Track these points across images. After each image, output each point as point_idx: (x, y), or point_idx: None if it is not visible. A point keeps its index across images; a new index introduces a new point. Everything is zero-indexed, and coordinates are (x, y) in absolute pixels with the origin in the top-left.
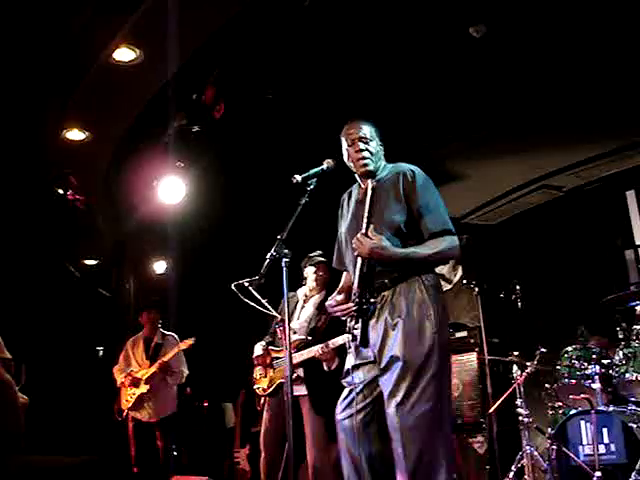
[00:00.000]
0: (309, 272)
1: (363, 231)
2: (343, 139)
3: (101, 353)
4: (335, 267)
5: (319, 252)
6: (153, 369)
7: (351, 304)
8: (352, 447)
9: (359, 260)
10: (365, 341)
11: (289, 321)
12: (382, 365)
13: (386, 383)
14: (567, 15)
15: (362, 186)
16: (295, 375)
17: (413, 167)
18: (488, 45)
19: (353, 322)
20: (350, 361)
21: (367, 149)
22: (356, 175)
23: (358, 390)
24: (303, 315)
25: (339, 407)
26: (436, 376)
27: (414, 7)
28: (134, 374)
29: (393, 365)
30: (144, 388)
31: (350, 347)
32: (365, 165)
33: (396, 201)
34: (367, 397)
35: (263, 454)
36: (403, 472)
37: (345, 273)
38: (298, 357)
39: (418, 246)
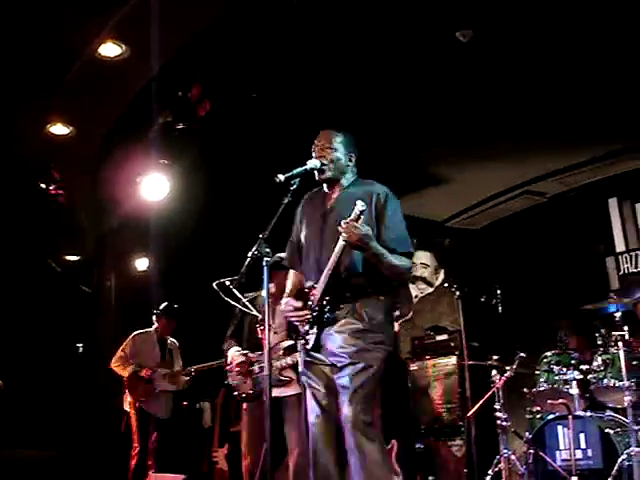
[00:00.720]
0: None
1: (353, 217)
2: (313, 146)
3: (81, 350)
4: (286, 265)
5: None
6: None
7: (307, 311)
8: (320, 450)
9: (338, 249)
10: (317, 347)
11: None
12: (339, 365)
13: (340, 380)
14: (552, 22)
15: (329, 192)
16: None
17: (386, 189)
18: (475, 50)
19: (307, 327)
20: (301, 362)
21: (326, 157)
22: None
23: (321, 396)
24: (278, 314)
25: (308, 411)
26: (375, 384)
27: (402, 11)
28: (157, 370)
29: (347, 369)
30: (170, 387)
31: (300, 349)
32: (320, 173)
33: (370, 216)
34: (332, 403)
35: (248, 458)
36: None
37: (293, 273)
38: (289, 360)
39: (390, 254)
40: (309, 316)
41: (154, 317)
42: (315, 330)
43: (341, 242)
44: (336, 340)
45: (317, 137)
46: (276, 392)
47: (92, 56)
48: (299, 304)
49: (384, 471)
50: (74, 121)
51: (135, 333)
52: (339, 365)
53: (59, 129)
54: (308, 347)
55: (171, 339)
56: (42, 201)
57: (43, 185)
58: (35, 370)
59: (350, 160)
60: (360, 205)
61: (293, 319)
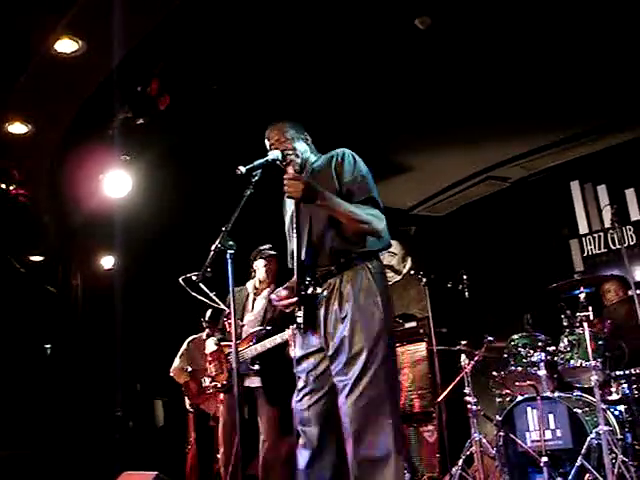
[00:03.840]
0: (259, 265)
1: (288, 174)
2: (267, 142)
3: (49, 351)
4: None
5: (269, 245)
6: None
7: (291, 297)
8: (312, 437)
9: (292, 211)
10: (308, 326)
11: (242, 315)
12: (331, 352)
13: (337, 370)
14: (511, 6)
15: None
16: (258, 367)
17: (345, 149)
18: (433, 37)
19: (298, 311)
20: (297, 351)
21: (288, 148)
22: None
23: (312, 382)
24: (256, 307)
25: (296, 397)
26: (385, 361)
27: None
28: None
29: (342, 352)
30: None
31: (295, 337)
32: (288, 165)
33: (331, 181)
34: (322, 388)
35: (222, 449)
36: (351, 451)
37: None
38: (260, 348)
39: (349, 203)
40: (288, 302)
41: (204, 324)
42: (302, 312)
43: (290, 201)
44: (328, 322)
45: (266, 135)
46: (248, 382)
47: (48, 52)
48: (286, 292)
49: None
50: (32, 119)
51: (188, 339)
52: (331, 351)
53: (17, 128)
54: (300, 332)
55: None
56: (3, 201)
57: (3, 185)
58: (4, 372)
59: (307, 142)
60: (273, 154)
61: (281, 307)
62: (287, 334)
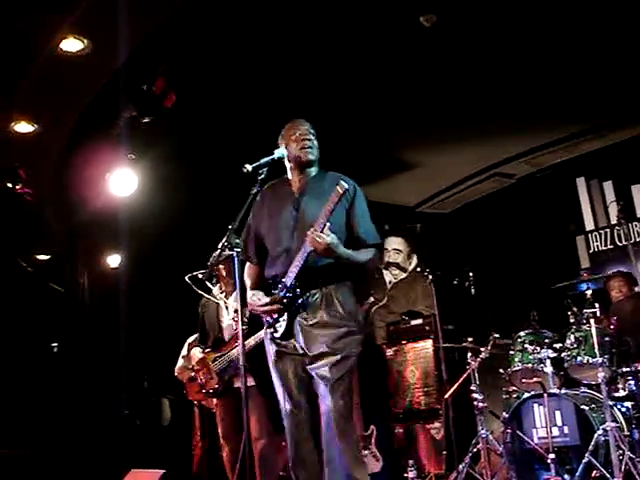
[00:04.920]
0: (220, 270)
1: (317, 227)
2: (289, 132)
3: (56, 349)
4: (241, 258)
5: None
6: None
7: (276, 307)
8: (300, 439)
9: (303, 254)
10: (288, 335)
11: (219, 325)
12: (314, 354)
13: (319, 371)
14: (516, 3)
15: (292, 180)
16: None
17: (353, 182)
18: (438, 34)
19: (276, 315)
20: (271, 352)
21: (313, 141)
22: (290, 169)
23: (295, 387)
24: (230, 311)
25: (281, 401)
26: (352, 375)
27: None
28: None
29: (325, 359)
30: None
31: (270, 339)
32: (308, 153)
33: (341, 206)
34: (305, 393)
35: (226, 449)
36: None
37: (250, 266)
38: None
39: (357, 252)
40: (277, 307)
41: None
42: (285, 318)
43: (308, 249)
44: (311, 329)
45: (293, 125)
46: (238, 382)
47: (54, 52)
48: (266, 299)
49: (358, 463)
50: (38, 118)
51: (189, 340)
52: (314, 354)
53: (23, 127)
54: (277, 335)
55: None
56: (9, 201)
57: (9, 184)
58: (11, 370)
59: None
60: (343, 187)
61: (260, 311)
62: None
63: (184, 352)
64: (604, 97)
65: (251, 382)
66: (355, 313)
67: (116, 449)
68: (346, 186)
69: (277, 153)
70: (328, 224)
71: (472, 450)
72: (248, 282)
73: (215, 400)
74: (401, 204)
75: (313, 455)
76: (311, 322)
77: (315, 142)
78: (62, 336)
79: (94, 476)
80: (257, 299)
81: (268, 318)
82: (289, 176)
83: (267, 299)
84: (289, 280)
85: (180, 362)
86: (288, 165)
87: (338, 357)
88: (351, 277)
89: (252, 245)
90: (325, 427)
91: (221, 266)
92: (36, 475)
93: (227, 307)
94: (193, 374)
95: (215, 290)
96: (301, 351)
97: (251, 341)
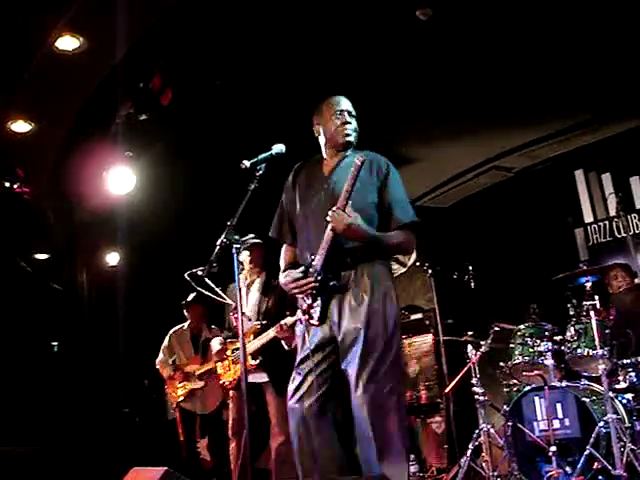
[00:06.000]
0: (244, 257)
1: (339, 205)
2: (329, 109)
3: (56, 348)
4: (272, 236)
5: (251, 235)
6: (209, 366)
7: (311, 279)
8: (305, 434)
9: (328, 236)
10: (324, 318)
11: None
12: (345, 343)
13: (350, 364)
14: None
15: (327, 159)
16: (258, 361)
17: (387, 160)
18: (435, 28)
19: (310, 300)
20: (304, 348)
21: (353, 124)
22: (325, 148)
23: (315, 376)
24: (250, 300)
25: (290, 393)
26: (397, 357)
27: None
28: (185, 369)
29: (357, 345)
30: (199, 384)
31: (302, 330)
32: (348, 135)
33: (370, 184)
34: (323, 384)
35: (233, 443)
36: (367, 447)
37: (287, 248)
38: (257, 343)
39: (387, 234)
40: (312, 285)
41: (184, 312)
42: (319, 302)
43: (329, 231)
44: (343, 313)
45: (334, 103)
46: (253, 378)
47: (50, 50)
48: (299, 275)
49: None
50: (35, 117)
51: (171, 331)
52: (349, 341)
53: (20, 126)
54: (314, 322)
55: (213, 327)
56: (7, 200)
57: (7, 184)
58: (12, 370)
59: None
60: (360, 159)
61: (295, 291)
62: (272, 331)
63: (165, 343)
64: (601, 89)
65: (265, 378)
66: (388, 294)
67: (116, 447)
68: (363, 158)
69: (275, 149)
70: (350, 202)
71: (473, 444)
72: (282, 264)
73: (230, 392)
74: None
75: (329, 451)
76: (344, 305)
77: (355, 123)
78: (62, 334)
79: (95, 474)
80: (290, 277)
81: (303, 302)
82: (323, 155)
83: (298, 274)
84: (319, 262)
85: (160, 355)
86: (324, 144)
87: (371, 340)
88: (383, 257)
89: (287, 225)
90: (358, 422)
91: (245, 254)
92: (37, 473)
93: (247, 297)
94: (172, 373)
95: (240, 279)
96: (326, 340)
97: (262, 339)
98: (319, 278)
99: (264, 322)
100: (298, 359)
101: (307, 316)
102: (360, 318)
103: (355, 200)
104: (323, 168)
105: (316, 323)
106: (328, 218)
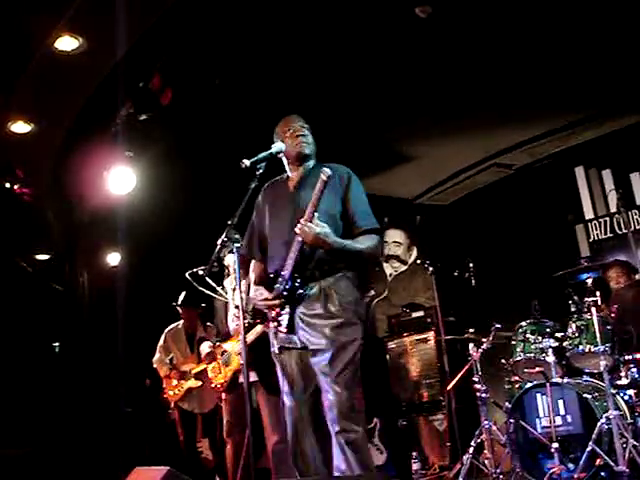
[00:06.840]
0: (230, 260)
1: (306, 217)
2: (283, 129)
3: (57, 349)
4: (242, 253)
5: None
6: (205, 365)
7: (277, 302)
8: (299, 432)
9: (296, 246)
10: (292, 327)
11: (225, 315)
12: (313, 348)
13: (319, 364)
14: None
15: (291, 176)
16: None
17: (348, 169)
18: (434, 25)
19: (278, 309)
20: (274, 345)
21: (307, 136)
22: (288, 165)
23: (296, 380)
24: (237, 303)
25: (283, 396)
26: (357, 363)
27: None
28: (181, 368)
29: (325, 352)
30: (195, 383)
31: (273, 333)
32: (303, 147)
33: (335, 194)
34: (308, 387)
35: (229, 445)
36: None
37: (255, 263)
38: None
39: (353, 240)
40: (278, 301)
41: (177, 308)
42: (287, 310)
43: (298, 240)
44: (310, 321)
45: (286, 122)
46: (243, 378)
47: (49, 51)
48: (269, 294)
49: (367, 454)
50: (35, 118)
51: (166, 330)
52: (315, 348)
53: (20, 127)
54: (282, 329)
55: (208, 324)
56: (8, 201)
57: (7, 184)
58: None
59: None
60: (326, 174)
61: (262, 305)
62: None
63: (161, 342)
64: (601, 85)
65: (254, 377)
66: (355, 304)
67: (119, 447)
68: (329, 172)
69: (275, 148)
70: (316, 214)
71: (476, 441)
72: (252, 278)
73: (223, 395)
74: (400, 196)
75: (314, 450)
76: (310, 314)
77: (310, 136)
78: (63, 335)
79: (96, 474)
80: (259, 294)
81: (271, 312)
82: (288, 173)
83: (268, 294)
84: (287, 273)
85: (157, 355)
86: (286, 161)
87: (337, 349)
88: (350, 267)
89: (256, 242)
90: (330, 422)
91: (232, 257)
92: (39, 474)
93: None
94: (168, 372)
95: (227, 283)
96: (302, 344)
97: (250, 336)
98: (287, 288)
99: (251, 321)
100: (273, 357)
101: (276, 323)
102: (324, 329)
103: (321, 211)
104: (288, 185)
105: (284, 330)
106: (297, 230)
